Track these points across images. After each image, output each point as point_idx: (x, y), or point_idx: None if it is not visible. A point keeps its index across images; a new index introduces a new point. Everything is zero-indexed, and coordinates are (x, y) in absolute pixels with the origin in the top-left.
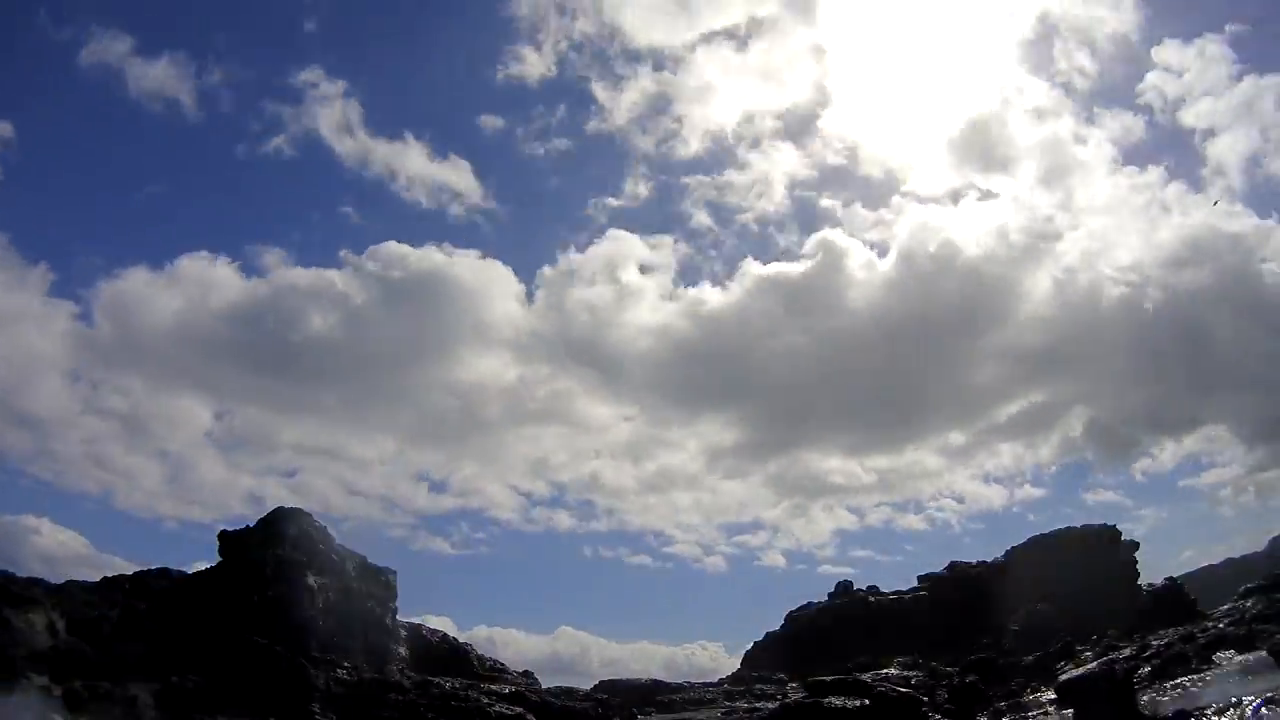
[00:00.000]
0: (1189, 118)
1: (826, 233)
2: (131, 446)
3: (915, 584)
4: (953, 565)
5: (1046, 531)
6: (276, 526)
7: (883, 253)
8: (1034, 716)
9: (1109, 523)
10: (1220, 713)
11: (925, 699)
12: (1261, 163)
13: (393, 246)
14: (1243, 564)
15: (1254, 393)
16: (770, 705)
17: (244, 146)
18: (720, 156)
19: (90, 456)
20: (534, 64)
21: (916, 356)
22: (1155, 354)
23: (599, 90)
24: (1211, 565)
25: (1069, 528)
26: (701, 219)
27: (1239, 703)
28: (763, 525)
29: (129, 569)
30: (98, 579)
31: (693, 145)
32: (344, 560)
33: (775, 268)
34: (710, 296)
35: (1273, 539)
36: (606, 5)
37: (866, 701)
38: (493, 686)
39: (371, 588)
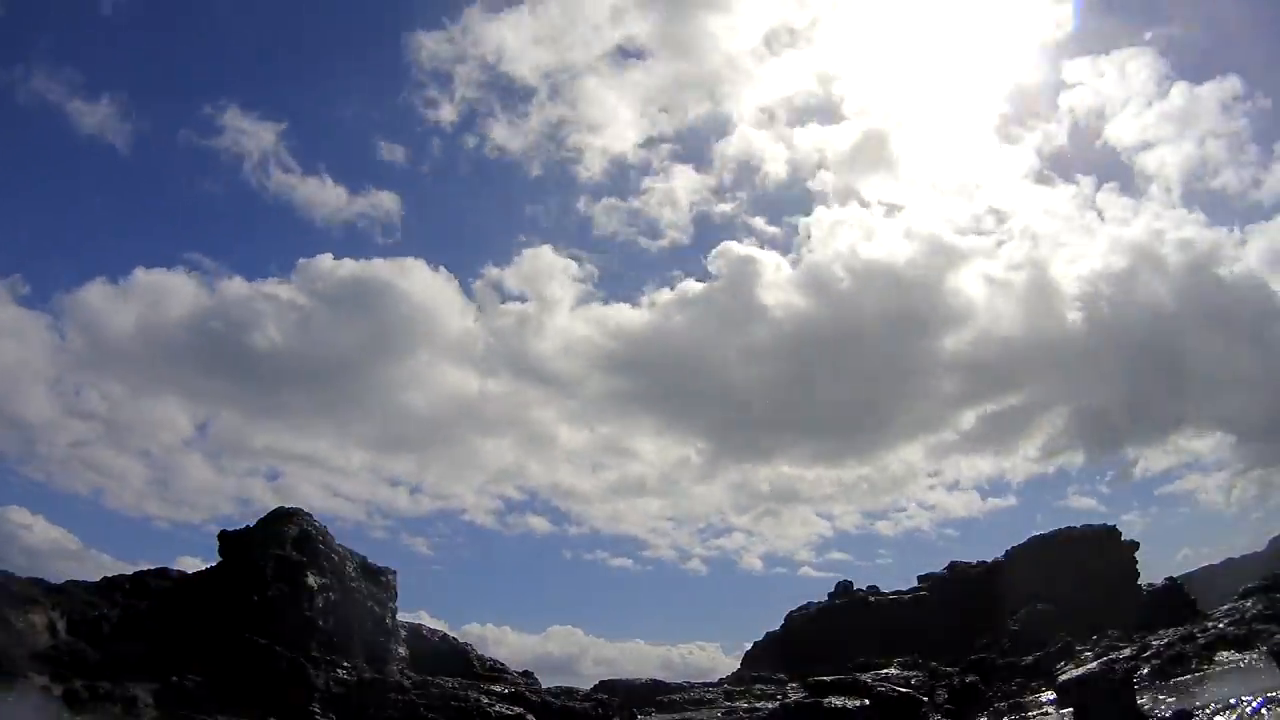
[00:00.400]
0: (1113, 128)
1: (735, 246)
2: (117, 449)
3: (914, 584)
4: (953, 565)
5: (1046, 531)
6: (276, 526)
7: (796, 263)
8: (1034, 716)
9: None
10: (1220, 713)
11: (925, 699)
12: (1201, 173)
13: (328, 260)
14: (1243, 564)
15: (1225, 396)
16: (770, 705)
17: (178, 175)
18: (621, 181)
19: (77, 459)
20: (437, 102)
21: (860, 365)
22: (1122, 360)
23: (495, 124)
24: (1211, 565)
25: (1069, 527)
26: (612, 239)
27: (1239, 703)
28: (735, 529)
29: (117, 565)
30: (94, 577)
31: (595, 169)
32: (344, 560)
33: (690, 284)
34: (632, 315)
35: (1273, 539)
36: (490, 47)
37: (866, 701)
38: (493, 686)
39: (371, 588)
